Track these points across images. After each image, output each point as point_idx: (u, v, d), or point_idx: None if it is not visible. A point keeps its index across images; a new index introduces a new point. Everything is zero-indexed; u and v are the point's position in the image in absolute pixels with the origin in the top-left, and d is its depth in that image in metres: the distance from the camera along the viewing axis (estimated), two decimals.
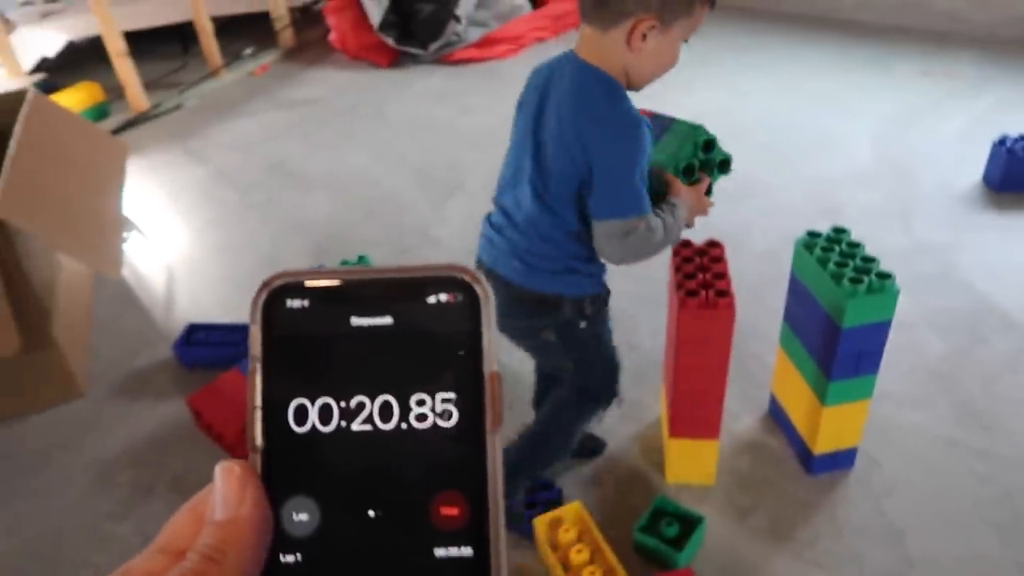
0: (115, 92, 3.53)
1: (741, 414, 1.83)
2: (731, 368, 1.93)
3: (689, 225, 1.32)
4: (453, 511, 0.26)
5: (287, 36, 4.08)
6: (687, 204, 1.28)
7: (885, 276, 1.41)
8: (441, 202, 2.72)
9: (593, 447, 1.72)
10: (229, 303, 2.35)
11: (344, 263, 2.31)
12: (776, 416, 1.79)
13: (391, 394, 0.27)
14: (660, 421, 1.81)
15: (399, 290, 0.27)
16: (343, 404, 0.27)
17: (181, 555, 0.26)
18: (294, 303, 0.28)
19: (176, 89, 3.71)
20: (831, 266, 1.44)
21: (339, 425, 0.27)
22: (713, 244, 1.53)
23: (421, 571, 0.26)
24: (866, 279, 1.40)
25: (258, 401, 0.27)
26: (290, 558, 0.26)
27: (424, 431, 0.27)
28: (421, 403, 0.27)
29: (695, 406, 1.56)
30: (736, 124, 3.07)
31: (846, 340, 1.44)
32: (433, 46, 3.75)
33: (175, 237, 2.69)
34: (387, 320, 0.27)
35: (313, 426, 0.27)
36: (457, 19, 3.72)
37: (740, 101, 3.27)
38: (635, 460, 1.73)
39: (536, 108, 1.27)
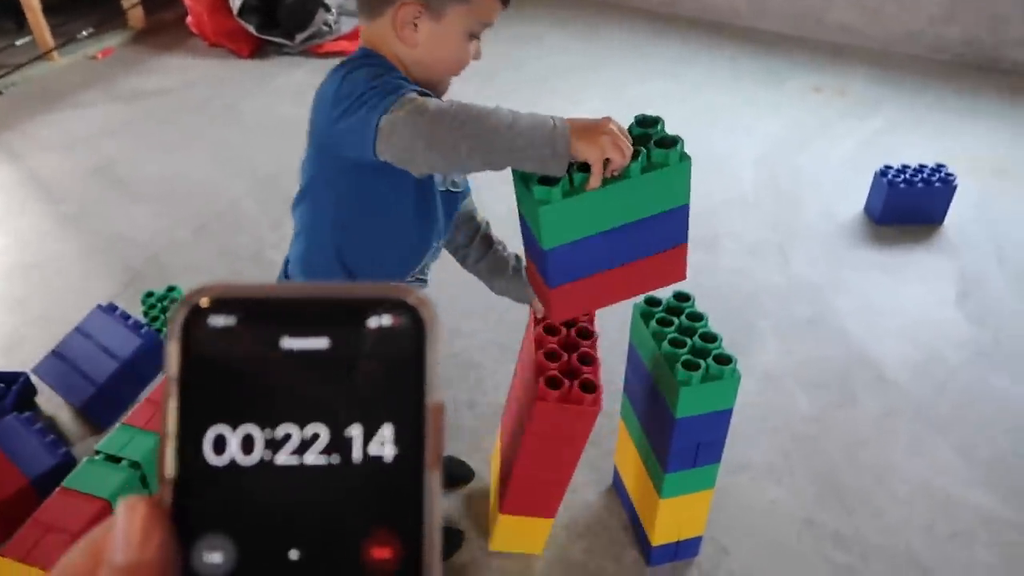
0: None
1: (584, 485, 1.61)
2: None
3: (576, 155, 0.93)
4: (385, 553, 0.24)
5: (137, 16, 3.63)
6: (566, 123, 0.92)
7: (725, 361, 1.19)
8: (281, 219, 2.40)
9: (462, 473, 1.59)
10: (10, 340, 1.98)
11: (148, 295, 1.98)
12: (619, 491, 1.58)
13: (323, 424, 0.24)
14: (491, 486, 1.55)
15: (337, 310, 0.25)
16: (268, 434, 0.24)
17: None
18: (218, 320, 0.24)
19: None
20: (666, 345, 1.22)
21: (262, 457, 0.24)
22: (584, 333, 1.25)
23: None
24: (703, 364, 1.18)
25: (172, 428, 0.24)
26: None
27: (357, 465, 0.24)
28: (355, 435, 0.24)
29: (533, 491, 1.33)
30: None
31: (680, 430, 1.22)
32: (300, 36, 3.40)
33: None
34: (322, 343, 0.24)
35: (232, 458, 0.24)
36: (327, 7, 3.38)
37: (627, 111, 3.05)
38: (459, 519, 1.52)
39: None
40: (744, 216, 2.44)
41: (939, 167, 2.34)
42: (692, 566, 1.46)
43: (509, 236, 1.35)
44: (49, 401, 1.81)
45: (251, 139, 2.86)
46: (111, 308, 1.85)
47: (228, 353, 0.25)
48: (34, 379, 1.80)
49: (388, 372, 0.25)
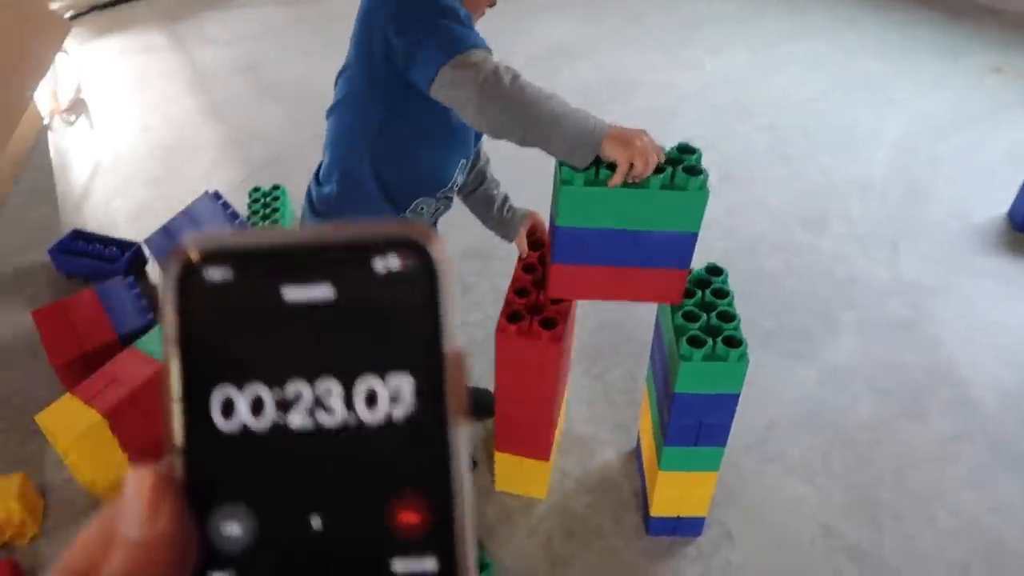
0: None
1: (607, 444, 1.61)
2: (616, 390, 1.72)
3: (613, 159, 1.02)
4: (414, 517, 0.22)
5: None
6: (606, 126, 1.01)
7: (735, 344, 1.14)
8: None
9: (488, 402, 1.53)
10: (140, 211, 2.23)
11: (254, 190, 2.14)
12: (638, 458, 1.56)
13: (334, 379, 0.23)
14: None
15: (340, 255, 0.23)
16: (278, 394, 0.23)
17: None
18: (214, 274, 0.23)
19: None
20: (679, 316, 1.18)
21: (273, 418, 0.23)
22: None
23: None
24: (709, 342, 1.13)
25: (176, 392, 0.23)
26: None
27: (374, 422, 0.23)
28: (370, 390, 0.23)
29: (518, 428, 1.37)
30: (751, 101, 2.69)
31: (680, 406, 1.19)
32: None
33: (119, 129, 2.56)
34: (326, 291, 0.23)
35: (243, 421, 0.23)
36: None
37: (769, 73, 2.86)
38: (476, 449, 1.58)
39: None
40: (863, 200, 2.24)
41: None
42: (691, 545, 1.44)
43: (507, 178, 1.39)
44: (156, 271, 2.02)
45: None
46: (216, 196, 2.03)
47: (227, 308, 0.23)
48: (146, 249, 2.03)
49: (400, 318, 0.23)
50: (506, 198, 1.35)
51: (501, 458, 1.43)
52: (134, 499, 0.23)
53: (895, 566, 1.41)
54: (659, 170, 1.03)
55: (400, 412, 0.23)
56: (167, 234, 1.99)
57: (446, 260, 0.23)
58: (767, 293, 1.92)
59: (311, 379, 0.23)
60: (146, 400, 1.47)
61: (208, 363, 0.23)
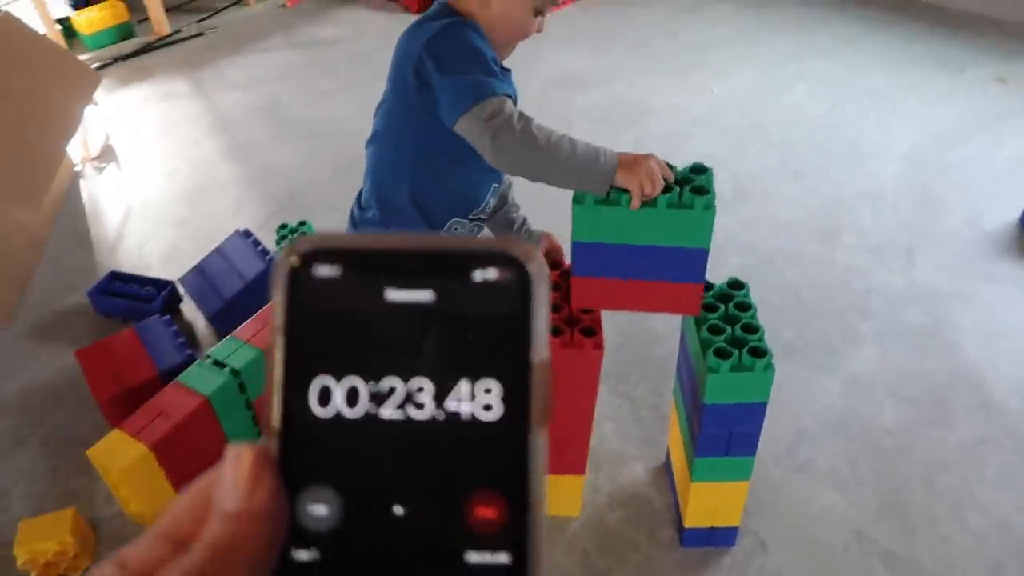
0: (141, 13, 3.50)
1: (636, 459, 1.64)
2: (643, 406, 1.76)
3: (622, 185, 1.11)
4: (490, 512, 0.24)
5: None
6: (616, 158, 1.10)
7: (760, 354, 1.18)
8: None
9: None
10: (172, 251, 2.30)
11: (282, 227, 2.21)
12: (667, 470, 1.60)
13: (426, 379, 0.24)
14: None
15: (442, 263, 0.25)
16: (372, 387, 0.24)
17: (183, 545, 0.23)
18: (323, 271, 0.25)
19: (201, 15, 3.66)
20: (704, 331, 1.23)
21: (367, 410, 0.24)
22: None
23: None
24: (735, 354, 1.17)
25: (279, 378, 0.24)
26: (304, 555, 0.24)
27: (461, 422, 0.24)
28: (459, 391, 0.24)
29: (557, 444, 1.40)
30: (762, 119, 2.75)
31: (709, 417, 1.23)
32: None
33: (147, 174, 2.65)
34: (427, 296, 0.24)
35: (338, 410, 0.24)
36: None
37: (775, 92, 2.92)
38: None
39: None
40: (876, 212, 2.28)
41: None
42: (726, 555, 1.46)
43: (528, 200, 1.44)
44: (190, 309, 2.09)
45: None
46: (247, 234, 2.10)
47: (332, 304, 0.24)
48: (180, 288, 2.09)
49: (494, 327, 0.24)
50: (524, 220, 1.42)
51: None
52: (234, 473, 0.24)
53: (929, 568, 1.43)
54: (668, 189, 1.10)
55: (486, 414, 0.24)
56: (200, 273, 2.05)
57: (542, 276, 0.24)
58: (786, 306, 1.96)
59: (405, 377, 0.24)
60: (191, 432, 1.52)
61: (309, 353, 0.24)
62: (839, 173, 2.45)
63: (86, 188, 2.59)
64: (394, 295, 0.24)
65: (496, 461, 0.24)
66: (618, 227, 1.11)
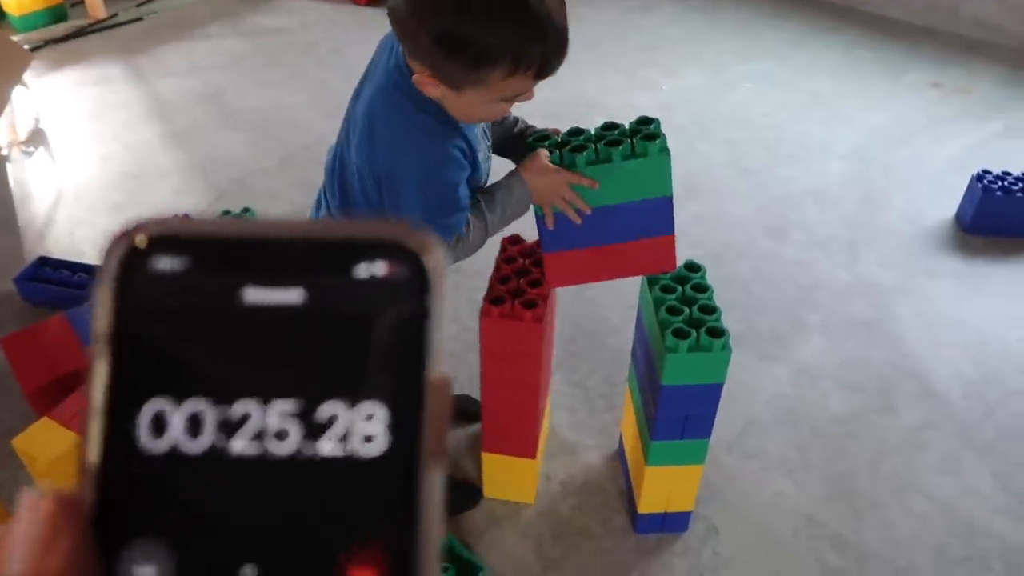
0: None
1: (590, 448, 1.63)
2: (596, 395, 1.75)
3: (540, 210, 1.15)
4: (368, 573, 0.18)
5: None
6: (526, 184, 1.09)
7: (718, 334, 1.18)
8: None
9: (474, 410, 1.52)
10: (105, 238, 2.19)
11: (225, 214, 2.13)
12: (621, 457, 1.59)
13: (292, 402, 0.19)
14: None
15: (316, 255, 0.19)
16: (222, 413, 0.19)
17: None
18: (164, 264, 0.19)
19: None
20: (663, 311, 1.22)
21: (213, 442, 0.19)
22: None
23: None
24: (692, 334, 1.17)
25: (99, 401, 0.19)
26: None
27: (334, 458, 0.19)
28: (333, 417, 0.19)
29: (507, 422, 1.38)
30: (709, 117, 2.78)
31: (666, 398, 1.22)
32: None
33: (79, 158, 2.53)
34: (295, 296, 0.19)
35: (175, 442, 0.19)
36: None
37: (723, 92, 2.96)
38: (464, 466, 1.57)
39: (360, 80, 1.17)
40: (821, 209, 2.33)
41: None
42: (678, 541, 1.46)
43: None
44: None
45: (349, 81, 2.98)
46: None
47: (174, 306, 0.20)
48: None
49: (379, 336, 0.20)
50: (518, 120, 1.29)
51: (489, 460, 1.44)
52: (26, 527, 0.19)
53: (876, 551, 1.45)
54: (617, 143, 1.08)
55: (367, 447, 0.19)
56: None
57: (441, 271, 0.20)
58: (736, 299, 1.98)
59: (265, 399, 0.19)
60: None
61: (143, 369, 0.19)
62: (785, 171, 2.50)
63: (13, 172, 2.46)
64: (254, 295, 0.19)
65: (378, 509, 0.19)
66: (578, 192, 1.10)
